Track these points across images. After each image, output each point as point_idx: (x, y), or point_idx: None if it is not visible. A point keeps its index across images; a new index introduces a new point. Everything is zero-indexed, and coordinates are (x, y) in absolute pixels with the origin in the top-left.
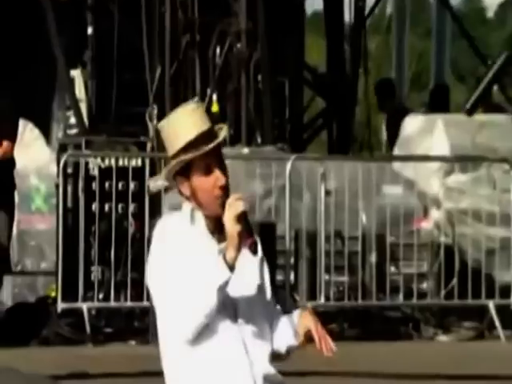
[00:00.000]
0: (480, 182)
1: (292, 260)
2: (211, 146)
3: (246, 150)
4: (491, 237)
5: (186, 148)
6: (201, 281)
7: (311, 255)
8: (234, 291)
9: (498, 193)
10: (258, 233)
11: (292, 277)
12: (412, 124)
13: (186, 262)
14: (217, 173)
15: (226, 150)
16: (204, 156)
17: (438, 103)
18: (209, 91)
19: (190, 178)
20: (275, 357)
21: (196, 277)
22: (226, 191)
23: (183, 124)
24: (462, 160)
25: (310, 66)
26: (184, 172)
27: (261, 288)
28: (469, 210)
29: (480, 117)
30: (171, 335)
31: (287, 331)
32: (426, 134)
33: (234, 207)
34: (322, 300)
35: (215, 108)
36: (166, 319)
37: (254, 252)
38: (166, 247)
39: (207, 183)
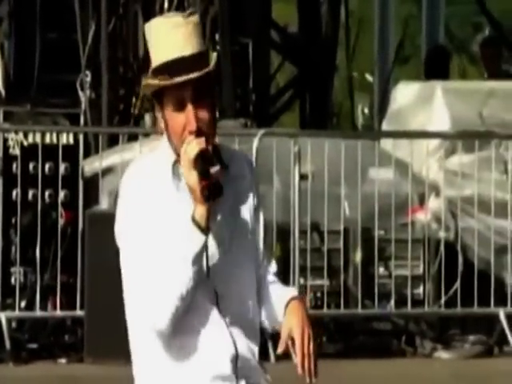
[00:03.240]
0: (488, 163)
1: None
2: (181, 79)
3: None
4: (501, 231)
5: (160, 70)
6: (172, 254)
7: (282, 253)
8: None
9: (510, 177)
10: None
11: None
12: (404, 93)
13: (158, 229)
14: (189, 112)
15: None
16: (177, 87)
17: (436, 70)
18: None
19: (163, 108)
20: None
21: (167, 249)
22: (200, 137)
23: (164, 39)
24: (465, 137)
25: (278, 25)
26: (158, 98)
27: (236, 241)
28: (474, 198)
29: (487, 84)
30: (140, 325)
31: (273, 308)
32: (422, 105)
33: (186, 154)
34: None
35: None
36: (132, 304)
37: (207, 198)
38: (132, 207)
39: (177, 122)
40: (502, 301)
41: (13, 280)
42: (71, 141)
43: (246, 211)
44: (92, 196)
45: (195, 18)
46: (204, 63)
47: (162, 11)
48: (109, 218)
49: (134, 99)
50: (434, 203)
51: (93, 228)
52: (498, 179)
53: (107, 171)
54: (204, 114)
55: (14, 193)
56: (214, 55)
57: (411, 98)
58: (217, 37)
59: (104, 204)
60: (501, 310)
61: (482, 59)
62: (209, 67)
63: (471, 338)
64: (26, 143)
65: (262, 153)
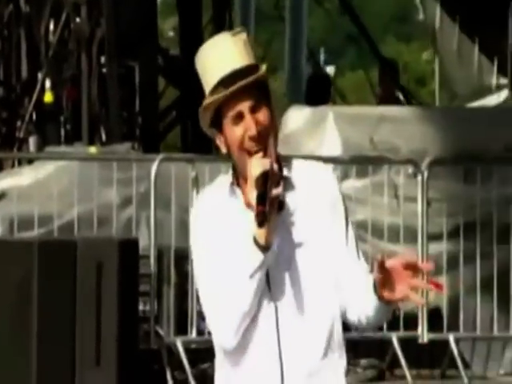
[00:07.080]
0: (380, 188)
1: (156, 285)
2: (235, 86)
3: (93, 150)
4: (394, 256)
5: (216, 88)
6: (234, 274)
7: (180, 279)
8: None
9: (401, 202)
10: (118, 251)
11: (156, 306)
12: (296, 118)
13: (216, 253)
14: (247, 120)
15: (71, 150)
16: (232, 101)
17: (318, 97)
18: (40, 77)
19: (223, 131)
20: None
21: (226, 269)
22: (261, 143)
23: (211, 60)
24: (357, 162)
25: (161, 48)
26: (217, 123)
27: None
28: (367, 223)
29: (378, 109)
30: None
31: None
32: (314, 129)
33: (250, 172)
34: (194, 335)
35: (48, 97)
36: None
37: (259, 224)
38: (195, 236)
39: (236, 134)
40: (394, 325)
41: None
42: None
43: (315, 222)
44: None
45: (244, 36)
46: (256, 72)
47: (47, 33)
48: (3, 245)
49: (18, 122)
50: None
51: None
52: (390, 204)
53: (1, 196)
54: (263, 119)
55: None
56: (263, 66)
57: (302, 123)
58: (103, 59)
59: None
60: (393, 334)
61: (379, 84)
62: (261, 72)
63: (363, 361)
64: None
65: (160, 177)
